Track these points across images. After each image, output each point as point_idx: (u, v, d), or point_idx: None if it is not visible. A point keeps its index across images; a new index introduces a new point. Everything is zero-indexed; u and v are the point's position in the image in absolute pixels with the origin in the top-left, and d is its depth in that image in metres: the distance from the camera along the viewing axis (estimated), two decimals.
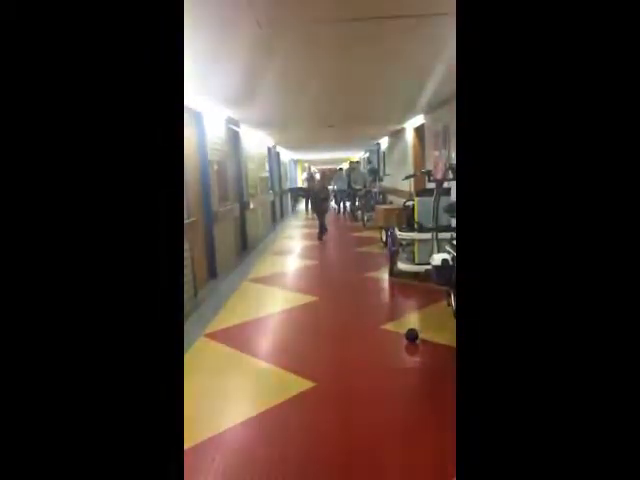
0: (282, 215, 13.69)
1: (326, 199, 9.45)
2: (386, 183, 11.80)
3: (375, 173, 12.58)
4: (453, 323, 3.44)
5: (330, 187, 12.64)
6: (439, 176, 4.72)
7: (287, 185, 16.58)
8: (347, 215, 13.46)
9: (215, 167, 5.71)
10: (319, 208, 9.12)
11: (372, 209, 10.42)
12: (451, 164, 5.20)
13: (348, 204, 13.60)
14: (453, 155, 5.58)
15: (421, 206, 5.08)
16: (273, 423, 2.38)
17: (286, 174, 16.58)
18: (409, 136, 8.78)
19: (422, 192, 5.29)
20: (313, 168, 21.20)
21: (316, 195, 9.30)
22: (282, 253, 7.77)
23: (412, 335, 3.36)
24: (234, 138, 7.18)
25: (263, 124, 7.93)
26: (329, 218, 11.77)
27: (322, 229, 8.93)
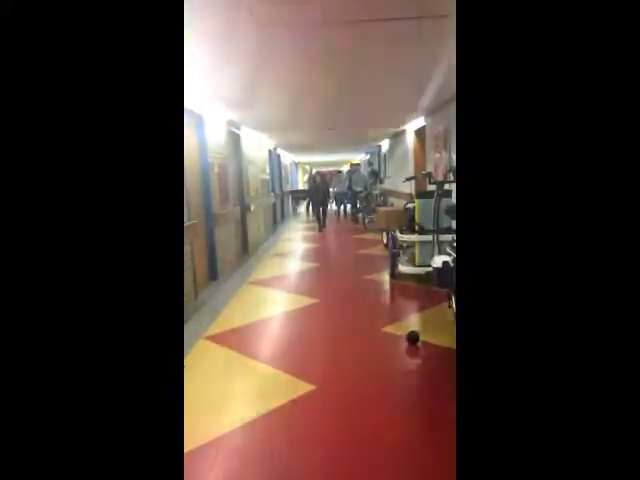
0: (283, 217, 13.70)
1: (327, 198, 11.67)
2: (387, 185, 11.79)
3: (376, 175, 12.58)
4: (454, 325, 3.43)
5: (330, 189, 12.75)
6: (440, 178, 4.72)
7: (288, 187, 16.59)
8: (348, 217, 13.47)
9: (216, 169, 5.72)
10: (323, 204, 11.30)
11: (373, 211, 10.43)
12: (452, 166, 5.21)
13: (349, 206, 13.61)
14: (454, 157, 5.58)
15: (422, 208, 5.08)
16: (273, 426, 2.38)
17: (287, 176, 16.60)
18: (410, 138, 8.78)
19: (423, 194, 5.29)
20: (314, 171, 21.36)
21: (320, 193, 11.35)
22: (283, 255, 7.77)
23: (413, 337, 3.35)
24: (235, 140, 7.18)
25: (264, 127, 7.94)
26: (330, 220, 11.92)
27: (322, 219, 11.09)
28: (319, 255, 7.75)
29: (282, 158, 14.39)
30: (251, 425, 2.39)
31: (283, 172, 14.72)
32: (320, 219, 11.05)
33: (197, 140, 5.22)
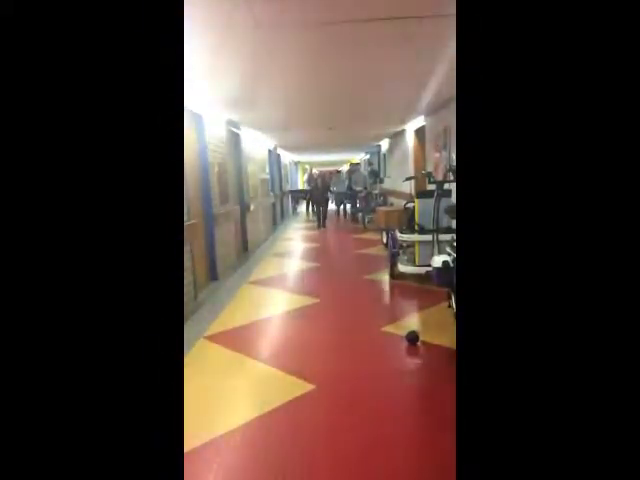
0: (283, 217, 13.70)
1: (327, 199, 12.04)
2: (387, 185, 11.80)
3: (376, 175, 12.58)
4: (454, 325, 3.43)
5: (330, 189, 12.81)
6: (440, 178, 4.72)
7: (288, 187, 16.59)
8: (347, 217, 13.47)
9: (215, 169, 5.72)
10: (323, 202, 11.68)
11: (373, 211, 10.43)
12: (452, 166, 5.21)
13: (349, 206, 13.61)
14: (454, 157, 5.58)
15: (422, 208, 5.08)
16: (273, 426, 2.38)
17: (287, 176, 16.59)
18: (409, 138, 8.79)
19: (423, 194, 5.29)
20: (314, 170, 21.35)
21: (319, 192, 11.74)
22: (283, 255, 7.77)
23: (413, 337, 3.36)
24: (235, 140, 7.18)
25: (264, 126, 7.94)
26: (330, 219, 11.99)
27: (322, 219, 11.47)
28: (319, 255, 7.75)
29: (282, 158, 14.38)
30: (251, 424, 2.39)
31: (283, 171, 14.71)
32: (320, 217, 11.42)
33: (197, 139, 5.22)
